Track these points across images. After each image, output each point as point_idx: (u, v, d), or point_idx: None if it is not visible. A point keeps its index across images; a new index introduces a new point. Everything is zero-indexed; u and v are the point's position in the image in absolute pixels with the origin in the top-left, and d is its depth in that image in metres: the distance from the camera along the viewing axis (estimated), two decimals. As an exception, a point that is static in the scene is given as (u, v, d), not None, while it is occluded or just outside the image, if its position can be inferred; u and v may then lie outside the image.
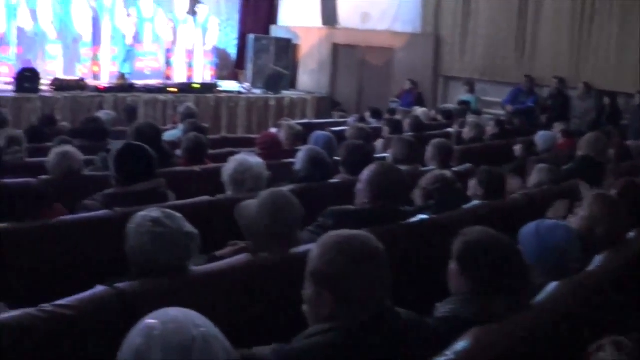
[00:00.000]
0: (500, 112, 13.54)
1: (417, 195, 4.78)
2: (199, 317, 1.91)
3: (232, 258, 3.52)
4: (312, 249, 2.53)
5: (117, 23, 14.52)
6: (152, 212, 3.16)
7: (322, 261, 2.44)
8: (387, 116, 11.52)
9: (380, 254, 2.47)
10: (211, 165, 6.32)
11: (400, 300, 2.54)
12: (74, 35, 14.10)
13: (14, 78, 12.39)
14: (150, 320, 1.88)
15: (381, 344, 2.39)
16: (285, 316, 3.14)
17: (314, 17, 16.86)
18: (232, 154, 5.45)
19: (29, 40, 13.80)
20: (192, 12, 15.81)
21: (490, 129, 10.08)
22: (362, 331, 2.36)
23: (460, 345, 2.44)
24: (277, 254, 3.48)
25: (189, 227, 3.14)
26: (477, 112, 12.58)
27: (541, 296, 3.01)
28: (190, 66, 15.68)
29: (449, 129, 10.43)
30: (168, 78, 15.36)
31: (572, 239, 3.42)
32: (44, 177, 5.36)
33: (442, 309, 2.89)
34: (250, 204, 3.64)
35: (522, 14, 14.16)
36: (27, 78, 12.12)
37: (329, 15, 16.61)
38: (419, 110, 11.98)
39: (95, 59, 14.37)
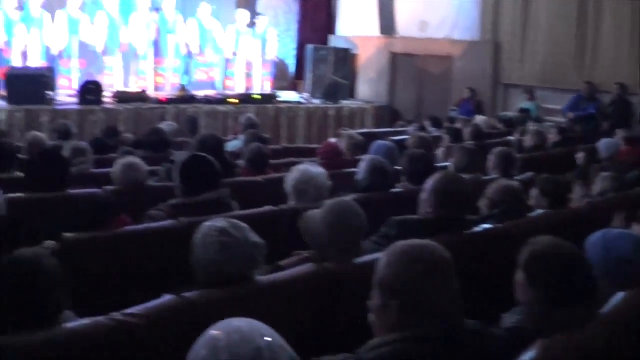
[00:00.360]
0: (561, 119, 13.33)
1: (483, 205, 4.74)
2: (263, 327, 1.91)
3: (296, 268, 3.52)
4: (380, 258, 2.52)
5: (178, 35, 14.69)
6: (219, 222, 3.18)
7: (390, 271, 2.44)
8: (447, 125, 11.45)
9: (448, 263, 2.45)
10: (273, 175, 6.35)
11: (466, 310, 2.52)
12: (134, 49, 14.31)
13: (78, 91, 12.66)
14: (214, 331, 1.88)
15: (448, 355, 2.37)
16: (349, 326, 3.13)
17: (372, 27, 16.85)
18: (294, 164, 5.47)
19: (91, 54, 14.06)
20: (252, 24, 15.91)
21: (552, 136, 9.94)
22: (429, 342, 2.34)
23: (528, 356, 2.40)
24: (341, 264, 3.48)
25: (254, 237, 3.15)
26: (538, 120, 12.44)
27: (608, 307, 2.94)
28: (249, 77, 15.76)
29: (510, 137, 10.31)
30: (228, 89, 15.48)
31: (639, 249, 3.35)
32: (109, 187, 5.45)
33: (508, 319, 2.86)
34: (315, 214, 3.64)
35: (581, 20, 13.93)
36: (90, 90, 12.35)
37: (387, 24, 16.58)
38: (480, 119, 11.88)
39: (157, 71, 14.56)
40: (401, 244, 2.52)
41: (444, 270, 2.43)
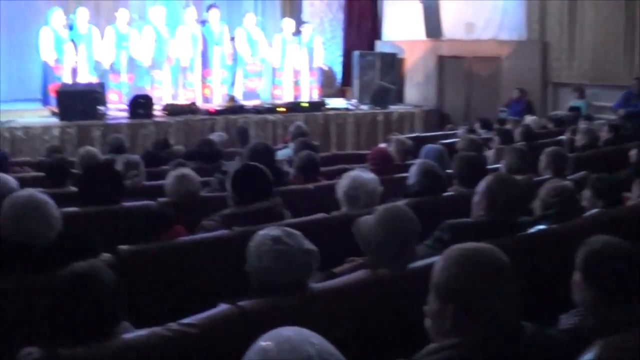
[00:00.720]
0: (612, 116, 13.13)
1: (536, 206, 4.69)
2: (312, 335, 1.90)
3: (350, 274, 3.51)
4: (436, 262, 2.51)
5: (225, 47, 14.81)
6: (272, 230, 3.19)
7: (446, 274, 2.42)
8: (497, 126, 11.36)
9: (504, 266, 2.43)
10: (324, 182, 6.35)
11: (523, 312, 2.50)
12: (181, 61, 14.45)
13: (128, 105, 12.82)
14: (264, 342, 1.88)
15: (507, 358, 2.35)
16: (404, 331, 3.12)
17: (418, 31, 16.80)
18: (344, 170, 5.47)
19: (139, 68, 14.24)
20: (297, 32, 15.98)
21: (604, 134, 9.79)
22: (488, 346, 2.33)
23: (587, 357, 2.36)
24: (395, 269, 3.46)
25: (308, 245, 3.17)
26: (589, 118, 12.25)
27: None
28: (297, 85, 15.82)
29: (561, 137, 10.19)
30: (276, 98, 15.56)
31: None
32: (163, 199, 5.50)
33: (566, 320, 2.83)
34: (368, 220, 3.64)
35: (629, 16, 13.71)
36: (140, 104, 12.51)
37: (433, 27, 16.51)
38: (530, 119, 11.76)
39: (205, 83, 14.69)
40: (457, 247, 2.51)
41: (500, 273, 2.41)
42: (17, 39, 17.09)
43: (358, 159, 8.46)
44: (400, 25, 17.51)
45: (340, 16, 18.28)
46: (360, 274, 3.45)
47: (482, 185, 4.11)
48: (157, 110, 13.04)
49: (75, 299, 2.73)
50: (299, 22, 16.84)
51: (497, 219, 4.00)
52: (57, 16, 13.54)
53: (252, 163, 4.99)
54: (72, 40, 13.66)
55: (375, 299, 3.38)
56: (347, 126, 14.35)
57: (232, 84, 15.24)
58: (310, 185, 6.21)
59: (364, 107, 15.33)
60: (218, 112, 13.30)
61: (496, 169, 6.46)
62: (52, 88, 13.11)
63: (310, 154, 6.70)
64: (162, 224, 4.42)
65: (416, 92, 17.13)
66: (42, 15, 16.20)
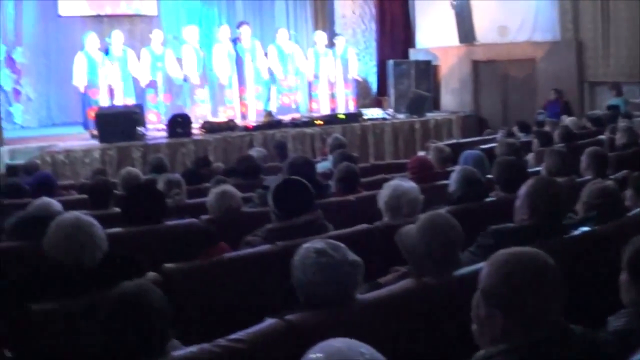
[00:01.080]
0: (651, 113, 12.98)
1: (579, 208, 4.65)
2: (362, 345, 1.90)
3: (395, 284, 3.51)
4: (482, 268, 2.51)
5: (258, 63, 14.89)
6: (316, 243, 3.20)
7: (493, 280, 2.42)
8: (535, 129, 11.28)
9: (551, 269, 2.42)
10: (365, 193, 6.36)
11: (571, 315, 2.48)
12: (218, 79, 14.57)
13: (166, 124, 12.93)
14: (314, 354, 1.89)
15: (557, 362, 2.33)
16: (452, 339, 3.12)
17: (451, 36, 16.77)
18: (385, 180, 5.47)
19: (176, 88, 14.40)
20: (331, 45, 16.03)
21: (644, 131, 9.69)
22: (538, 351, 2.31)
23: (636, 359, 2.35)
24: (440, 277, 3.46)
25: (353, 256, 3.17)
26: (628, 116, 12.12)
27: None
28: (333, 97, 15.86)
29: (600, 136, 10.09)
30: (313, 111, 15.62)
31: None
32: (205, 217, 5.54)
33: (615, 322, 2.80)
34: (411, 229, 3.64)
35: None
36: (179, 123, 12.61)
37: (466, 32, 16.47)
38: (568, 120, 11.68)
39: (241, 100, 14.78)
40: (503, 252, 2.50)
41: (547, 276, 2.39)
42: (54, 64, 17.40)
43: (397, 169, 8.49)
44: (433, 32, 17.49)
45: (373, 26, 18.32)
46: (405, 283, 3.45)
47: (523, 190, 4.08)
48: (196, 128, 13.15)
49: (126, 318, 2.76)
50: (332, 35, 16.91)
51: (541, 223, 3.97)
52: (91, 40, 13.73)
53: (293, 177, 5.00)
54: (108, 63, 13.82)
55: (422, 307, 3.37)
56: (385, 136, 14.35)
57: (268, 99, 15.33)
58: (351, 197, 6.21)
59: (401, 116, 15.31)
60: (256, 128, 13.38)
61: (537, 172, 6.42)
62: (90, 111, 13.27)
63: (350, 165, 6.71)
64: (205, 241, 4.44)
65: (452, 98, 17.09)
66: (78, 40, 16.47)
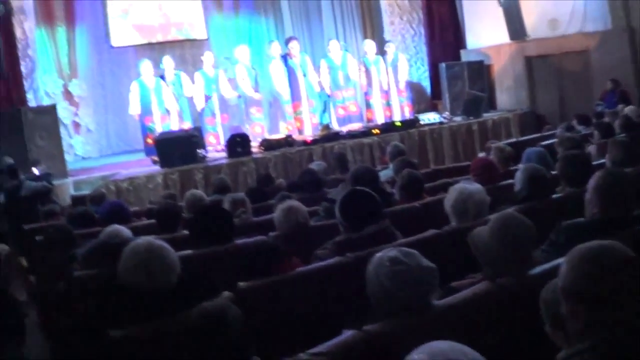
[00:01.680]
0: None
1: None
2: (463, 347, 1.92)
3: (471, 288, 3.50)
4: (561, 264, 2.49)
5: (310, 77, 14.97)
6: (389, 251, 3.21)
7: (573, 275, 2.40)
8: (595, 121, 11.14)
9: (633, 261, 2.39)
10: (429, 198, 6.35)
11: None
12: (273, 96, 14.70)
13: (226, 145, 13.06)
14: (417, 355, 1.90)
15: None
16: (531, 340, 3.09)
17: (501, 34, 16.61)
18: (448, 184, 5.47)
19: (232, 108, 14.58)
20: (381, 52, 16.05)
21: None
22: (624, 345, 2.29)
23: None
24: (515, 278, 3.44)
25: (426, 262, 3.17)
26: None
27: None
28: (388, 105, 15.86)
29: (663, 122, 9.92)
30: (369, 120, 15.65)
31: None
32: (273, 233, 5.58)
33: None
34: (483, 230, 3.63)
35: None
36: (238, 143, 12.72)
37: (516, 29, 16.31)
38: (627, 109, 11.48)
39: (297, 115, 14.87)
40: (581, 247, 2.47)
41: (629, 268, 2.37)
42: (110, 94, 17.75)
43: (459, 172, 8.49)
44: (484, 32, 17.36)
45: (422, 31, 18.27)
46: (481, 286, 3.43)
47: (592, 183, 4.04)
48: (255, 147, 13.25)
49: (209, 338, 2.81)
50: (382, 43, 16.92)
51: (612, 215, 3.93)
52: (145, 67, 13.94)
53: (357, 188, 5.02)
54: (162, 88, 14.03)
55: (499, 310, 3.35)
56: (443, 140, 14.27)
57: (323, 112, 15.40)
58: (416, 203, 6.20)
59: (458, 119, 15.22)
60: (314, 142, 13.43)
61: (602, 165, 6.35)
62: (148, 138, 13.48)
63: (412, 172, 6.69)
64: (276, 258, 4.47)
65: (508, 96, 16.94)
66: (132, 69, 16.77)
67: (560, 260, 2.61)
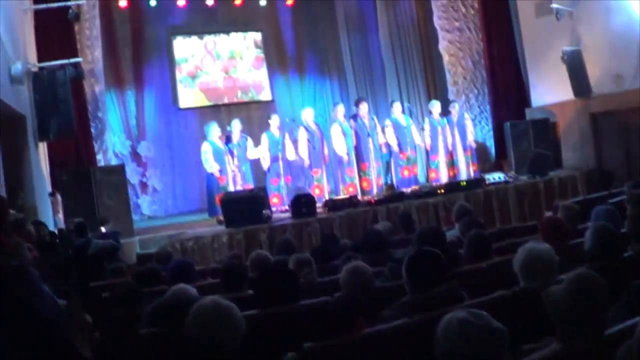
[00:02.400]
0: None
1: None
2: None
3: (543, 350, 3.41)
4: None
5: (377, 138, 15.01)
6: (458, 313, 3.14)
7: None
8: (664, 176, 10.93)
9: None
10: (497, 259, 6.26)
11: None
12: (338, 157, 14.75)
13: (290, 205, 13.10)
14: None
15: None
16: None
17: (566, 91, 16.45)
18: (515, 244, 5.38)
19: (296, 169, 14.70)
20: (446, 112, 16.07)
21: None
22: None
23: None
24: (590, 340, 3.34)
25: (496, 324, 3.10)
26: None
27: None
28: (453, 165, 15.84)
29: None
30: (434, 180, 15.61)
31: None
32: (338, 294, 5.53)
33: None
34: (558, 290, 3.55)
35: None
36: (303, 203, 12.74)
37: (581, 85, 16.15)
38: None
39: (362, 175, 14.89)
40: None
41: None
42: (176, 155, 18.05)
43: (526, 231, 8.38)
44: (548, 89, 17.24)
45: (485, 90, 18.25)
46: (555, 348, 3.35)
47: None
48: (319, 207, 13.27)
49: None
50: (446, 103, 16.94)
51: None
52: (214, 130, 14.10)
53: (424, 248, 4.97)
54: (230, 151, 14.20)
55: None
56: (509, 199, 14.09)
57: (388, 172, 15.41)
58: (484, 264, 6.11)
59: (523, 178, 15.06)
60: (378, 202, 13.38)
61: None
62: (218, 198, 13.60)
63: (479, 232, 6.62)
64: (342, 319, 4.43)
65: (573, 154, 16.73)
66: (198, 130, 17.04)
67: (635, 320, 2.54)
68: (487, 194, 13.98)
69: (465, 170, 15.88)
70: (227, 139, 14.38)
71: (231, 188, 13.95)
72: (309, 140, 14.49)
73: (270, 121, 14.81)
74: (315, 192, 14.36)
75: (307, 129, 14.65)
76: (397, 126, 15.27)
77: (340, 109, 15.01)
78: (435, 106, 16.09)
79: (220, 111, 18.71)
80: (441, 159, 15.76)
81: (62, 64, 12.22)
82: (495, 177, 14.79)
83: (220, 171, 13.90)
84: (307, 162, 14.49)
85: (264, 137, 14.62)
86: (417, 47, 20.17)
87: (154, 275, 7.44)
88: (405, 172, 15.36)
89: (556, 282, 3.78)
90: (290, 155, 14.56)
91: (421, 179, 15.75)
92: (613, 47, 15.36)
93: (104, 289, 7.53)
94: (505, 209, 14.02)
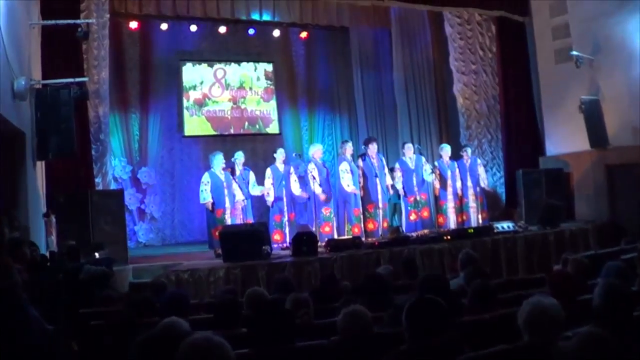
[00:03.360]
0: None
1: None
2: None
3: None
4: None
5: (384, 179, 15.03)
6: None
7: None
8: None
9: None
10: (501, 311, 6.21)
11: None
12: (344, 196, 14.73)
13: (291, 243, 13.04)
14: None
15: None
16: None
17: (582, 142, 16.49)
18: (521, 297, 5.33)
19: (299, 206, 14.68)
20: (457, 157, 16.09)
21: None
22: None
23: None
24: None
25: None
26: None
27: None
28: (462, 211, 15.85)
29: None
30: (441, 226, 15.59)
31: None
32: (335, 338, 5.49)
33: None
34: (567, 347, 3.51)
35: None
36: (304, 241, 12.67)
37: (598, 136, 16.19)
38: None
39: (367, 216, 14.88)
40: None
41: None
42: (178, 183, 18.09)
43: (533, 284, 8.31)
44: (563, 138, 17.30)
45: (499, 136, 18.28)
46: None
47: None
48: (321, 246, 13.22)
49: None
50: (458, 146, 16.96)
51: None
52: (218, 160, 14.09)
53: (426, 296, 4.92)
54: (232, 182, 14.18)
55: None
56: (518, 250, 14.01)
57: (394, 215, 15.39)
58: (487, 315, 6.07)
59: (533, 228, 15.00)
60: (382, 245, 13.32)
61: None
62: (215, 231, 13.56)
63: (484, 282, 6.57)
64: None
65: (587, 206, 16.73)
66: (202, 159, 17.08)
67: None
68: (495, 243, 13.92)
69: (475, 217, 15.86)
70: (232, 171, 14.39)
71: (229, 221, 13.90)
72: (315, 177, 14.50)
73: (275, 155, 14.82)
74: (325, 230, 14.36)
75: (315, 163, 14.63)
76: (405, 170, 15.27)
77: (349, 147, 15.02)
78: (445, 150, 16.12)
79: (225, 141, 18.75)
80: (449, 204, 15.78)
81: (67, 82, 12.23)
82: (505, 225, 14.74)
83: (215, 204, 13.87)
84: (323, 197, 14.51)
85: (269, 172, 14.63)
86: (431, 88, 20.23)
87: (147, 306, 7.38)
88: (412, 217, 15.35)
89: (562, 338, 3.73)
90: (295, 191, 14.55)
91: (429, 223, 15.69)
92: (632, 98, 15.42)
93: (93, 316, 7.47)
94: (513, 259, 13.94)
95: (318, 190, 14.39)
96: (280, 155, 14.78)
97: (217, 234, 13.20)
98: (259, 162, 17.92)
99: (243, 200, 14.23)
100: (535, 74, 18.14)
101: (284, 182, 14.51)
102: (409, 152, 15.54)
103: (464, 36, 18.23)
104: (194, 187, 16.49)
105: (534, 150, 17.94)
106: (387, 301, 6.76)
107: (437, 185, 15.75)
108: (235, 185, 14.17)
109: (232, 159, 14.42)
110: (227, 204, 14.05)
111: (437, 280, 6.33)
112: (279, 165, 14.68)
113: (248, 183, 14.42)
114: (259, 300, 7.28)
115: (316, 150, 14.91)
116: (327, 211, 14.64)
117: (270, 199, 14.50)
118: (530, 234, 14.58)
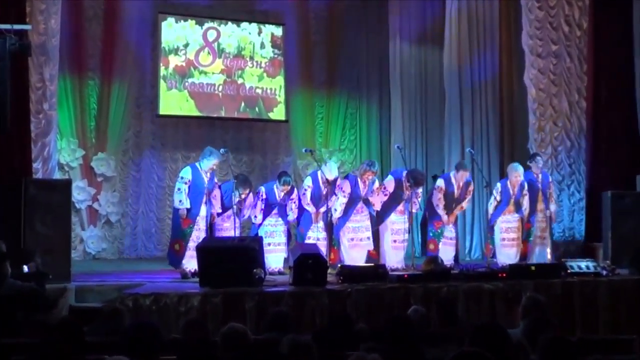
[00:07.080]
0: None
1: None
2: None
3: None
4: None
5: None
6: None
7: None
8: None
9: None
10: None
11: None
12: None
13: (293, 267, 12.83)
14: None
15: None
16: None
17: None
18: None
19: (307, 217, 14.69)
20: (525, 167, 15.96)
21: None
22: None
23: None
24: None
25: None
26: None
27: None
28: (525, 241, 15.71)
29: None
30: (492, 258, 15.46)
31: None
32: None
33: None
34: None
35: None
36: (308, 266, 12.48)
37: None
38: None
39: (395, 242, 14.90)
40: None
41: None
42: (146, 179, 18.17)
43: (619, 346, 8.26)
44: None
45: (583, 143, 18.02)
46: None
47: None
48: (331, 274, 13.09)
49: None
50: (524, 154, 16.88)
51: None
52: (213, 160, 13.81)
53: (474, 349, 4.80)
54: (215, 190, 14.08)
55: None
56: (599, 299, 13.80)
57: (427, 241, 15.37)
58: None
59: (623, 271, 14.83)
60: (413, 278, 13.15)
61: None
62: (175, 243, 13.44)
63: (554, 338, 6.44)
64: None
65: (694, 245, 16.57)
66: (182, 148, 17.07)
67: None
68: (567, 287, 13.74)
69: (540, 251, 15.71)
70: (211, 178, 14.12)
71: (194, 238, 13.68)
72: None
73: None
74: (329, 255, 14.41)
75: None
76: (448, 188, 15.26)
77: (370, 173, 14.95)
78: (516, 171, 15.67)
79: (213, 126, 18.68)
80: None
81: (1, 29, 12.07)
82: (582, 265, 14.55)
83: (189, 212, 13.68)
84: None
85: (262, 192, 14.65)
86: (494, 74, 20.04)
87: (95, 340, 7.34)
88: (431, 246, 15.25)
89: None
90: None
91: (477, 254, 15.61)
92: None
93: (15, 350, 7.37)
94: (592, 311, 13.74)
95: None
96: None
97: (177, 247, 13.12)
98: (256, 158, 17.88)
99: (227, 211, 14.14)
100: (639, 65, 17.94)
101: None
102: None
103: (544, 5, 17.94)
104: (167, 185, 16.43)
105: (631, 165, 17.67)
106: (416, 355, 6.65)
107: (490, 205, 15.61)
108: (218, 196, 14.01)
109: (221, 151, 14.16)
110: (202, 214, 13.78)
111: (491, 331, 6.18)
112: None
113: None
114: (239, 340, 7.17)
115: (329, 171, 14.74)
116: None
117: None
118: (618, 279, 14.38)
